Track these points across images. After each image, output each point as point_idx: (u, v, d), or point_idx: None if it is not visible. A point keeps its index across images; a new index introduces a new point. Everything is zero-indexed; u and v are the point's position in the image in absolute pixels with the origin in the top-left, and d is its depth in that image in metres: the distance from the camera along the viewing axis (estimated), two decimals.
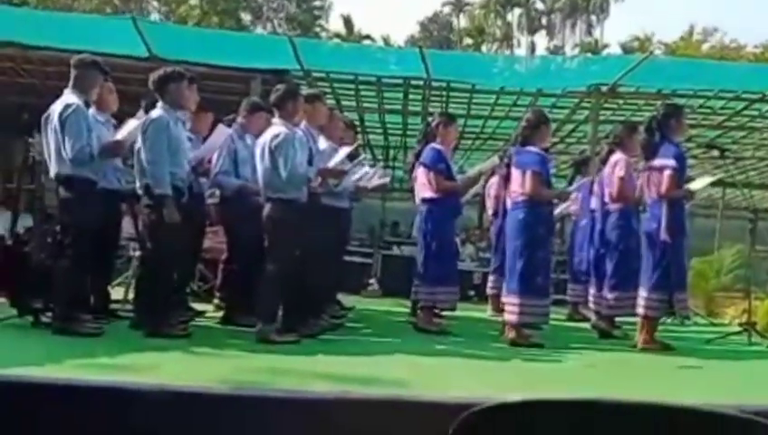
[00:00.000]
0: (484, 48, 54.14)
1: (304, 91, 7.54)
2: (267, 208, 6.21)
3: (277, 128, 6.26)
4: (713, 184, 11.00)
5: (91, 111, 6.26)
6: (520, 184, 6.76)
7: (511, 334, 6.64)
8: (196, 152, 6.54)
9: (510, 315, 6.67)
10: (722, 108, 12.44)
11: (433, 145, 7.39)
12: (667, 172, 6.71)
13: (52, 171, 6.00)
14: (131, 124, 6.18)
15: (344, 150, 6.71)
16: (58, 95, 6.07)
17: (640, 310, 6.78)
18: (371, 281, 11.60)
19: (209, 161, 6.78)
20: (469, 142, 15.79)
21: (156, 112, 6.12)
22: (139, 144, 6.08)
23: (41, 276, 6.12)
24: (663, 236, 6.69)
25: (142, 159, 6.05)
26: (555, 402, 1.37)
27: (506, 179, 7.14)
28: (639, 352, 6.62)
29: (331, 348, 5.98)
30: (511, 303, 6.67)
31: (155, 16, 35.09)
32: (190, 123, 6.68)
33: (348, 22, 49.53)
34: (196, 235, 6.93)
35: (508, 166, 7.06)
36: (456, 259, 7.90)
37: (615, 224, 7.44)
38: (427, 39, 51.76)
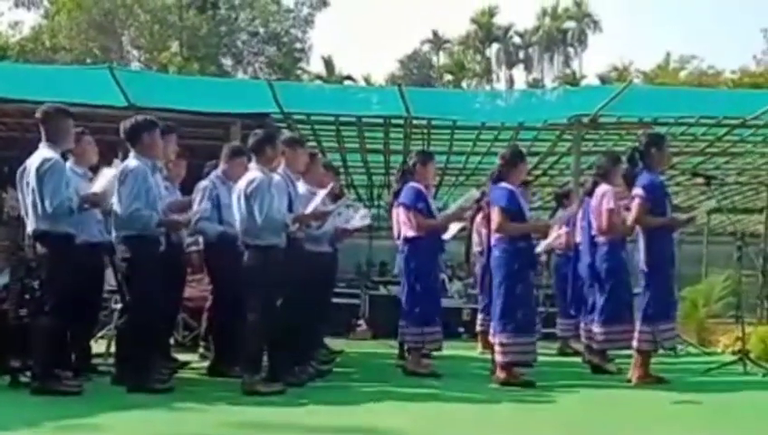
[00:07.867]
0: (464, 84, 54.66)
1: (284, 135, 7.45)
2: (246, 256, 6.10)
3: (252, 173, 6.15)
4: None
5: (69, 163, 6.15)
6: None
7: (501, 374, 6.51)
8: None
9: (498, 355, 6.55)
10: (703, 134, 12.45)
11: (412, 184, 7.31)
12: (635, 201, 6.71)
13: (29, 227, 5.85)
14: (108, 174, 6.04)
15: (322, 192, 6.59)
16: (38, 147, 5.91)
17: (634, 343, 6.69)
18: (360, 322, 11.43)
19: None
20: (452, 179, 15.77)
21: (132, 162, 6.00)
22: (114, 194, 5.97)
23: (18, 334, 5.97)
24: (641, 266, 6.66)
25: (119, 210, 5.93)
26: None
27: (487, 217, 7.06)
28: (633, 388, 6.50)
29: (319, 396, 5.83)
30: (498, 343, 6.56)
31: (136, 65, 35.08)
32: (165, 171, 6.58)
33: (328, 63, 49.91)
34: (177, 284, 6.82)
35: (488, 204, 6.97)
36: (440, 297, 7.77)
37: (604, 257, 7.34)
38: (408, 77, 52.13)
